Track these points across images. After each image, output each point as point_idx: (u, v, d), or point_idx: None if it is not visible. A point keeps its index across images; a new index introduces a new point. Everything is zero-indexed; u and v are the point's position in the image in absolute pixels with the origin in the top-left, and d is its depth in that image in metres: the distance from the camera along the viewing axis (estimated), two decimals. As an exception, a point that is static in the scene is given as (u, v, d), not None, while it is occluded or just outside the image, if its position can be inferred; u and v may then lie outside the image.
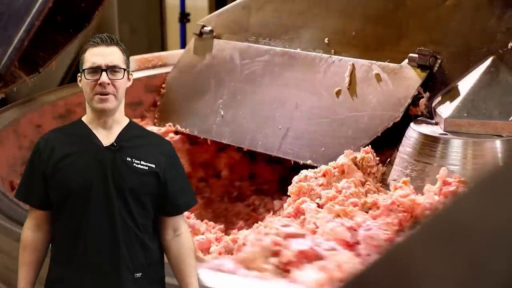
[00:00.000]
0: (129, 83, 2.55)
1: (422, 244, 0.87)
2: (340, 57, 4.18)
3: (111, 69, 2.47)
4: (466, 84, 3.68)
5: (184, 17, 7.95)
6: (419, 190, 3.46)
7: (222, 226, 4.30)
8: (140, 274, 2.49)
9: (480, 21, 3.80)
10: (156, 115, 4.98)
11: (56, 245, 2.53)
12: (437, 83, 3.84)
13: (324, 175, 3.64)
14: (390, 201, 3.32)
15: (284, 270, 2.99)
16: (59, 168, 2.47)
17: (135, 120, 4.78)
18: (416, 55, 3.84)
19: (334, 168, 3.69)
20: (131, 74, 2.57)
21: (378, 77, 3.95)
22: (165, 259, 2.62)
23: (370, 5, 4.25)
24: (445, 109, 3.64)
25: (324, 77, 4.21)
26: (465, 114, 3.57)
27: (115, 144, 2.49)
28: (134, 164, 2.48)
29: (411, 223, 3.24)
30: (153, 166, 2.50)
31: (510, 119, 3.49)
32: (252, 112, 4.44)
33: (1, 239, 3.28)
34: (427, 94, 3.82)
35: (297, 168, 4.68)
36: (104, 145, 2.49)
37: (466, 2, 3.88)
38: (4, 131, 4.31)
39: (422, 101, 3.82)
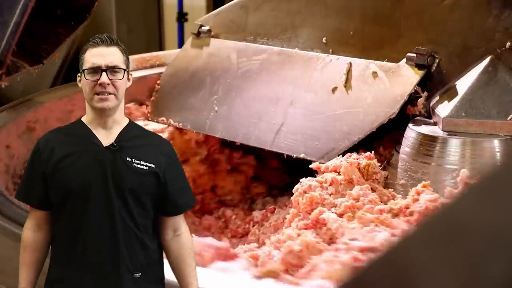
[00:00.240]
0: (129, 83, 2.56)
1: (421, 244, 0.87)
2: (338, 56, 4.18)
3: (111, 69, 2.47)
4: (464, 84, 3.68)
5: (182, 17, 7.95)
6: (405, 186, 3.47)
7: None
8: (140, 274, 2.49)
9: (478, 21, 3.80)
10: (149, 110, 4.95)
11: (56, 245, 2.54)
12: (435, 83, 3.83)
13: (331, 184, 3.55)
14: (424, 206, 3.27)
15: None
16: (59, 168, 2.47)
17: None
18: (414, 55, 3.84)
19: (334, 171, 3.63)
20: (131, 74, 2.57)
21: (375, 75, 3.95)
22: (165, 259, 2.63)
23: (368, 5, 4.24)
24: (443, 109, 3.64)
25: (320, 75, 4.20)
26: (463, 114, 3.56)
27: (115, 144, 2.49)
28: (134, 164, 2.48)
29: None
30: (153, 166, 2.50)
31: (508, 118, 3.49)
32: (246, 108, 4.42)
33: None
34: (425, 93, 3.82)
35: (256, 177, 4.69)
36: (104, 145, 2.49)
37: (464, 2, 3.88)
38: None
39: (420, 101, 3.82)
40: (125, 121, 2.57)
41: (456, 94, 3.66)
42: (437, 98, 3.77)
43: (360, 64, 4.04)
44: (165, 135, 4.60)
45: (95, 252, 2.46)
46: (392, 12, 4.12)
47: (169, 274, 2.60)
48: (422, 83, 3.82)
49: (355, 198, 3.43)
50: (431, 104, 3.77)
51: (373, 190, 3.53)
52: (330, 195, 3.51)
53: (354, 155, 3.71)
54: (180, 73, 4.95)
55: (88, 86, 2.48)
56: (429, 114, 3.79)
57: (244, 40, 4.73)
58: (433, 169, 3.47)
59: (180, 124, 4.68)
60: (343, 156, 3.76)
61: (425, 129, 3.63)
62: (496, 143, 3.46)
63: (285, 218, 3.71)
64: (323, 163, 3.82)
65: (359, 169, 3.62)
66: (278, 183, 4.76)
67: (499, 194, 0.85)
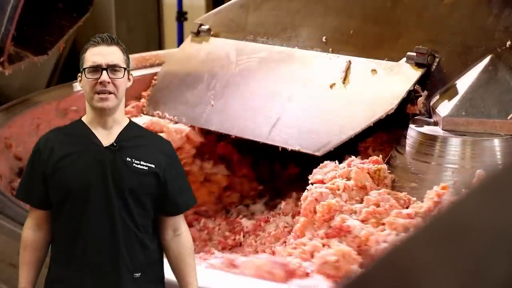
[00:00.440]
0: (129, 83, 2.55)
1: (423, 245, 0.87)
2: (338, 55, 4.17)
3: (112, 68, 2.47)
4: (464, 83, 3.67)
5: (181, 16, 7.94)
6: (417, 189, 3.45)
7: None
8: (140, 274, 2.49)
9: (479, 20, 3.79)
10: (145, 104, 4.94)
11: (56, 245, 2.53)
12: (435, 82, 3.83)
13: (344, 190, 3.45)
14: None
15: None
16: (59, 168, 2.47)
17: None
18: (414, 54, 3.84)
19: (341, 177, 3.53)
20: (131, 74, 2.57)
21: (374, 72, 3.94)
22: (165, 259, 2.62)
23: (368, 4, 4.24)
24: (444, 108, 3.63)
25: (320, 73, 4.19)
26: (464, 113, 3.56)
27: (115, 144, 2.49)
28: (134, 164, 2.48)
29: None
30: (153, 166, 2.50)
31: (508, 117, 3.49)
32: (243, 103, 4.39)
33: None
34: (425, 92, 3.82)
35: (226, 186, 4.59)
36: (104, 145, 2.49)
37: (465, 1, 3.88)
38: None
39: (420, 100, 3.81)
40: (125, 121, 2.57)
41: (456, 93, 3.66)
42: (437, 97, 3.76)
43: (359, 63, 4.04)
44: None
45: (95, 252, 2.46)
46: (392, 11, 4.11)
47: (169, 274, 2.60)
48: (422, 82, 3.82)
49: (375, 203, 3.35)
50: (431, 103, 3.76)
51: (387, 194, 3.44)
52: (345, 201, 3.42)
53: (357, 160, 3.64)
54: (177, 70, 4.94)
55: (89, 85, 2.48)
56: (429, 113, 3.78)
57: (244, 39, 4.72)
58: (434, 169, 3.47)
59: (175, 117, 4.66)
60: (341, 154, 3.75)
61: (425, 128, 3.62)
62: (496, 142, 3.45)
63: (285, 227, 3.63)
64: (318, 156, 3.80)
65: (368, 173, 3.54)
66: (250, 191, 4.67)
67: (501, 194, 0.84)
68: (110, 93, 2.46)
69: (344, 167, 3.59)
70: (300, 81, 4.24)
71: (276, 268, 3.10)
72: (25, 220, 2.62)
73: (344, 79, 4.03)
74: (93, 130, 2.51)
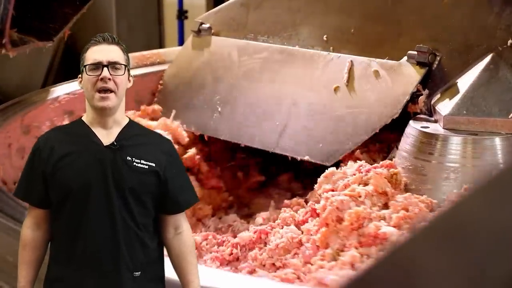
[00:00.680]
0: (129, 84, 2.56)
1: (425, 245, 0.86)
2: (339, 54, 4.17)
3: (112, 65, 2.48)
4: (465, 82, 3.67)
5: (182, 14, 7.94)
6: (418, 189, 3.45)
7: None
8: (140, 272, 2.49)
9: (480, 18, 3.79)
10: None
11: (56, 244, 2.53)
12: (436, 80, 3.83)
13: (365, 197, 3.37)
14: None
15: None
16: (59, 167, 2.47)
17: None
18: (415, 52, 3.83)
19: (362, 184, 3.44)
20: (132, 76, 2.57)
21: (376, 73, 3.94)
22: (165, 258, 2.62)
23: (369, 2, 4.24)
24: (445, 107, 3.63)
25: (322, 74, 4.19)
26: (465, 112, 3.56)
27: (115, 143, 2.49)
28: (134, 163, 2.48)
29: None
30: (153, 165, 2.50)
31: (509, 116, 3.48)
32: (249, 109, 4.42)
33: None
34: (426, 91, 3.81)
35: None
36: (104, 144, 2.49)
37: (465, -1, 3.88)
38: None
39: (421, 99, 3.81)
40: (126, 120, 2.57)
41: (457, 92, 3.66)
42: (438, 96, 3.76)
43: (361, 62, 4.03)
44: None
45: (95, 251, 2.46)
46: (393, 9, 4.11)
47: (169, 273, 2.60)
48: (423, 81, 3.82)
49: (403, 208, 3.28)
50: (432, 102, 3.76)
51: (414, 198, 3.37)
52: (370, 208, 3.34)
53: (366, 165, 3.57)
54: (182, 73, 4.95)
55: (90, 82, 2.48)
56: (430, 112, 3.78)
57: (245, 38, 4.72)
58: (434, 167, 3.46)
59: (185, 125, 4.68)
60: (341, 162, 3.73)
61: (426, 127, 3.62)
62: (497, 141, 3.45)
63: (294, 238, 3.49)
64: (327, 165, 3.79)
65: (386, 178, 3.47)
66: (221, 203, 4.61)
67: (503, 194, 0.84)
68: (110, 91, 2.47)
69: (355, 174, 3.52)
70: (303, 83, 4.24)
71: None
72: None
73: (348, 81, 4.03)
74: (93, 130, 2.52)
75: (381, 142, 3.95)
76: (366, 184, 3.44)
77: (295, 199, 4.10)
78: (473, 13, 3.82)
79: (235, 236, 3.81)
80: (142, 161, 2.49)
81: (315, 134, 4.01)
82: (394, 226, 3.21)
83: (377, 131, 3.78)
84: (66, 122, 4.38)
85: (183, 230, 2.58)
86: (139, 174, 2.48)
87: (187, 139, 4.57)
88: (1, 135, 4.24)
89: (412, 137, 3.61)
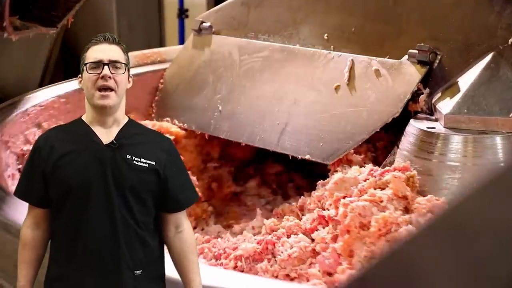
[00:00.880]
0: (129, 85, 2.56)
1: (425, 245, 0.86)
2: (340, 53, 4.17)
3: (113, 64, 2.48)
4: (466, 80, 3.67)
5: (182, 13, 7.94)
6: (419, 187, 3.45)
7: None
8: (140, 271, 2.49)
9: (480, 17, 3.79)
10: (153, 110, 4.96)
11: (56, 243, 2.53)
12: (437, 79, 3.82)
13: (388, 202, 3.29)
14: None
15: None
16: (59, 166, 2.47)
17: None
18: (416, 51, 3.83)
19: (378, 188, 3.37)
20: (131, 76, 2.57)
21: (377, 72, 3.94)
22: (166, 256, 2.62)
23: (369, 1, 4.24)
24: (445, 105, 3.63)
25: (323, 73, 4.19)
26: (465, 110, 3.56)
27: (115, 142, 2.48)
28: (134, 162, 2.48)
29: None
30: (153, 163, 2.50)
31: (510, 115, 3.48)
32: (250, 107, 4.41)
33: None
34: (427, 90, 3.81)
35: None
36: (104, 143, 2.48)
37: (466, -2, 3.88)
38: None
39: (422, 97, 3.81)
40: (125, 119, 2.57)
41: (458, 90, 3.65)
42: (439, 94, 3.76)
43: (362, 61, 4.03)
44: None
45: (95, 250, 2.45)
46: (394, 8, 4.11)
47: (169, 271, 2.60)
48: (424, 80, 3.82)
49: (430, 211, 3.22)
50: (433, 100, 3.76)
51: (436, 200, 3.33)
52: (394, 212, 3.26)
53: (378, 169, 3.50)
54: (182, 71, 4.95)
55: (90, 80, 2.48)
56: (430, 111, 3.78)
57: (246, 37, 4.72)
58: (435, 166, 3.46)
59: (185, 124, 4.68)
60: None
61: (426, 126, 3.62)
62: (498, 140, 3.45)
63: (306, 247, 3.41)
64: (327, 164, 3.79)
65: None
66: (202, 214, 4.54)
67: (504, 194, 0.84)
68: (111, 90, 2.47)
69: (367, 178, 3.45)
70: (304, 82, 4.24)
71: None
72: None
73: (348, 80, 4.02)
74: (93, 129, 2.52)
75: (368, 142, 3.93)
76: (382, 189, 3.37)
77: (285, 206, 4.00)
78: (474, 12, 3.82)
79: (235, 248, 3.66)
80: (142, 160, 2.49)
81: (316, 133, 4.00)
82: None
83: (378, 130, 3.78)
84: (36, 135, 4.18)
85: (184, 229, 2.58)
86: (139, 172, 2.48)
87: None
88: None
89: (413, 136, 3.61)
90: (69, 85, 4.73)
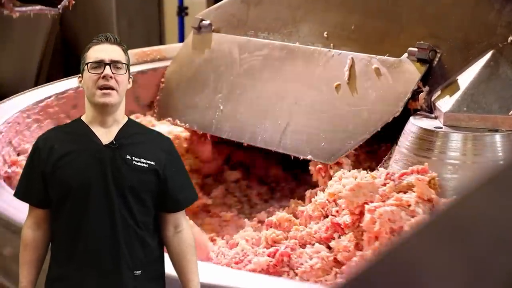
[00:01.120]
0: (129, 85, 2.56)
1: (426, 242, 0.86)
2: (339, 51, 4.17)
3: (114, 64, 2.48)
4: (465, 78, 3.67)
5: (182, 11, 7.94)
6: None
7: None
8: (140, 271, 2.49)
9: (480, 15, 3.79)
10: (155, 110, 4.96)
11: (56, 244, 2.53)
12: (437, 77, 3.82)
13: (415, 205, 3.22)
14: None
15: None
16: (59, 166, 2.47)
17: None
18: (416, 49, 3.83)
19: (399, 192, 3.30)
20: (131, 77, 2.58)
21: (377, 71, 3.94)
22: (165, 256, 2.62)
23: (369, -1, 4.24)
24: (445, 103, 3.63)
25: (323, 72, 4.19)
26: (465, 108, 3.56)
27: (114, 142, 2.48)
28: (134, 162, 2.48)
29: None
30: (153, 163, 2.49)
31: (510, 113, 3.48)
32: (251, 107, 4.41)
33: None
34: (427, 88, 3.81)
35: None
36: (104, 143, 2.48)
37: (466, -4, 3.88)
38: None
39: (422, 95, 3.81)
40: (124, 119, 2.57)
41: (457, 88, 3.66)
42: (438, 92, 3.76)
43: (362, 60, 4.03)
44: None
45: (95, 251, 2.45)
46: (394, 6, 4.11)
47: (169, 270, 2.60)
48: (423, 78, 3.82)
49: None
50: (433, 98, 3.76)
51: None
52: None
53: (395, 173, 3.42)
54: (183, 70, 4.94)
55: (91, 80, 2.48)
56: (430, 109, 3.78)
57: (245, 35, 4.72)
58: (434, 164, 3.46)
59: (187, 124, 4.68)
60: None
61: (426, 124, 3.62)
62: (497, 138, 3.45)
63: (328, 257, 3.30)
64: (329, 164, 3.78)
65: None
66: None
67: (505, 191, 0.84)
68: (112, 89, 2.47)
69: (387, 182, 3.37)
70: (304, 81, 4.24)
71: None
72: None
73: (349, 78, 4.02)
74: (92, 129, 2.51)
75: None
76: (405, 192, 3.31)
77: (280, 215, 3.75)
78: (474, 10, 3.82)
79: (238, 262, 3.50)
80: (142, 160, 2.49)
81: (317, 133, 4.00)
82: None
83: (379, 129, 3.78)
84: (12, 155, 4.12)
85: (183, 229, 2.58)
86: (139, 172, 2.48)
87: None
88: None
89: (412, 134, 3.61)
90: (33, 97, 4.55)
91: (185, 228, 2.58)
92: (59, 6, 4.48)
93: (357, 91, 3.97)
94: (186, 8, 7.95)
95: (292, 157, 4.10)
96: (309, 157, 3.95)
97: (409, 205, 3.22)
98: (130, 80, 2.57)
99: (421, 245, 0.86)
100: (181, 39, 7.57)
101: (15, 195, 2.63)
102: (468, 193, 0.84)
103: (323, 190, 3.66)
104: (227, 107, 4.52)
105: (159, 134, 2.73)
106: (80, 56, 2.58)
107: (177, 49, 5.22)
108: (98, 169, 2.46)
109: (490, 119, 3.50)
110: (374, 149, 4.10)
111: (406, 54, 3.88)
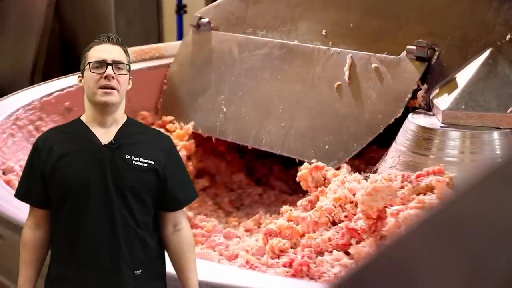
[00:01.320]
0: (129, 86, 2.56)
1: (423, 239, 0.86)
2: (339, 50, 4.17)
3: (116, 64, 2.48)
4: (464, 76, 3.67)
5: (181, 9, 7.93)
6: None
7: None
8: (140, 271, 2.49)
9: (479, 13, 3.79)
10: (159, 112, 4.96)
11: (56, 244, 2.53)
12: (435, 75, 3.83)
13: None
14: None
15: None
16: (58, 167, 2.47)
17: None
18: (414, 47, 3.83)
19: (420, 194, 3.26)
20: (131, 78, 2.58)
21: (377, 70, 3.93)
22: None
23: (368, -3, 4.24)
24: (443, 101, 3.63)
25: (323, 71, 4.19)
26: (463, 106, 3.56)
27: (113, 142, 2.48)
28: (134, 162, 2.47)
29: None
30: (153, 163, 2.49)
31: (508, 111, 3.49)
32: (254, 109, 4.41)
33: None
34: (425, 86, 3.81)
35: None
36: (103, 143, 2.48)
37: (464, -6, 3.87)
38: None
39: (420, 93, 3.81)
40: (124, 119, 2.56)
41: (456, 86, 3.66)
42: (437, 90, 3.76)
43: (361, 58, 4.03)
44: None
45: (95, 251, 2.45)
46: (392, 4, 4.11)
47: (169, 268, 2.60)
48: (422, 76, 3.82)
49: None
50: (431, 96, 3.76)
51: None
52: None
53: (411, 174, 3.36)
54: (184, 71, 4.94)
55: (92, 80, 2.48)
56: (428, 107, 3.78)
57: (244, 33, 4.71)
58: (432, 162, 3.46)
59: (191, 127, 4.68)
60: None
61: (424, 122, 3.62)
62: (496, 135, 3.45)
63: (351, 264, 3.18)
64: (334, 167, 3.77)
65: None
66: None
67: (501, 188, 0.84)
68: (113, 89, 2.47)
69: (405, 185, 3.30)
70: (304, 81, 4.24)
71: None
72: None
73: (349, 78, 4.02)
74: (92, 129, 2.51)
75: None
76: (424, 194, 3.26)
77: (279, 222, 3.59)
78: (472, 8, 3.82)
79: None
80: (141, 159, 2.49)
81: (320, 135, 4.00)
82: None
83: (381, 131, 3.78)
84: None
85: (182, 227, 2.58)
86: (139, 172, 2.47)
87: None
88: None
89: (411, 132, 3.61)
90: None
91: (184, 227, 2.58)
92: None
93: (357, 91, 3.97)
94: (185, 6, 7.94)
95: (297, 160, 4.06)
96: (313, 160, 3.91)
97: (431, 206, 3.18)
98: (130, 81, 2.57)
99: (417, 242, 0.86)
100: (180, 37, 7.56)
101: (16, 195, 2.63)
102: (464, 190, 0.84)
103: (320, 195, 3.63)
104: (230, 109, 4.52)
105: (159, 133, 2.73)
106: (78, 54, 2.57)
107: (175, 47, 5.22)
108: (97, 169, 2.46)
109: (489, 117, 3.50)
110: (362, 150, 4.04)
111: (404, 52, 3.87)
